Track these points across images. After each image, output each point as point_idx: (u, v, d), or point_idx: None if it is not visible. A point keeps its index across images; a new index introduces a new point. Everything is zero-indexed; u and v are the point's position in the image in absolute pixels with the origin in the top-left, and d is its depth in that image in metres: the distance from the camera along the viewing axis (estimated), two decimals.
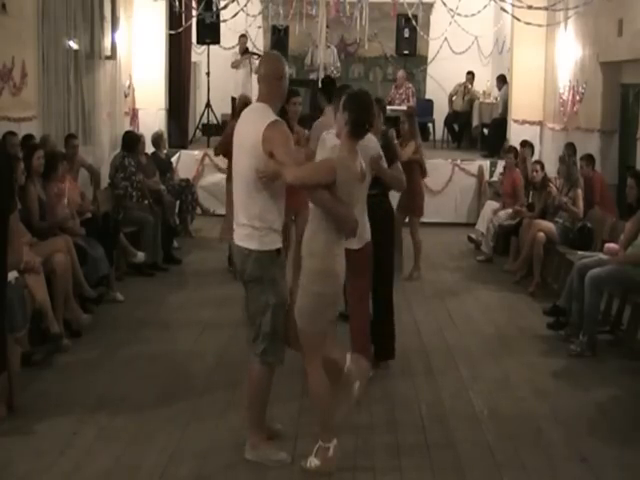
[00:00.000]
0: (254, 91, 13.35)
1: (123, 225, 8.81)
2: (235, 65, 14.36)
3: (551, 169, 10.05)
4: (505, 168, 10.61)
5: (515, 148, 10.68)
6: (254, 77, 14.48)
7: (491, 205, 10.46)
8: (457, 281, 9.16)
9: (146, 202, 9.38)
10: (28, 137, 7.83)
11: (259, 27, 15.50)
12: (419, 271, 9.19)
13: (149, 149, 10.66)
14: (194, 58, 14.50)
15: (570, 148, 9.75)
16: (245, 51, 14.41)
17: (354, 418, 5.17)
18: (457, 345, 6.87)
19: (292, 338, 4.50)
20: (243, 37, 14.52)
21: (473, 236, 10.66)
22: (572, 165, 8.89)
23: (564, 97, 11.49)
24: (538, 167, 9.55)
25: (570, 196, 8.63)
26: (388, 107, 14.28)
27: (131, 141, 9.64)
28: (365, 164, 4.53)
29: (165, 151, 11.20)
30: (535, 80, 12.66)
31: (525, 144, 10.58)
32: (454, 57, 14.55)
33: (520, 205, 9.93)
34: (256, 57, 14.63)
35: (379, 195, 5.97)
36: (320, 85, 6.72)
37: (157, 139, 11.04)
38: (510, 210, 9.95)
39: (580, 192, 8.65)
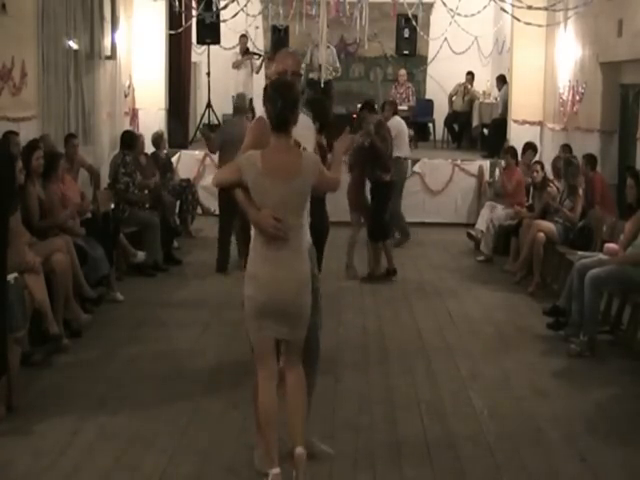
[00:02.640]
0: (255, 91, 13.42)
1: (124, 225, 8.84)
2: (236, 65, 14.36)
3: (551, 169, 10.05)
4: (504, 168, 10.64)
5: (513, 148, 10.69)
6: (255, 77, 14.51)
7: (491, 205, 10.47)
8: (457, 281, 9.16)
9: (147, 205, 9.44)
10: (33, 141, 7.80)
11: (257, 27, 15.45)
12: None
13: (149, 149, 10.66)
14: (194, 58, 14.50)
15: (567, 149, 9.81)
16: (246, 51, 14.41)
17: (354, 418, 5.18)
18: (457, 345, 6.87)
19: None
20: (244, 37, 14.52)
21: (472, 232, 10.60)
22: (572, 166, 8.89)
23: (564, 97, 11.49)
24: (538, 167, 9.57)
25: (570, 199, 8.63)
26: None
27: (130, 139, 9.65)
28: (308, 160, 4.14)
29: (165, 151, 11.20)
30: (535, 80, 12.66)
31: (528, 148, 10.55)
32: (454, 57, 14.54)
33: (520, 204, 9.96)
34: (257, 57, 14.65)
35: None
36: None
37: (157, 139, 11.04)
38: (510, 210, 9.96)
39: (580, 195, 8.66)
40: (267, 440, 4.19)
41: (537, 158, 10.74)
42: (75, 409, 5.28)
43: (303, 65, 14.33)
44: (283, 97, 4.08)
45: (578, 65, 10.94)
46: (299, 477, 4.11)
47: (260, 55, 14.78)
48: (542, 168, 9.48)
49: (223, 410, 5.32)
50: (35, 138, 7.92)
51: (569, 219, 8.56)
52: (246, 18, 13.56)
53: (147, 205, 9.47)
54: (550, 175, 9.70)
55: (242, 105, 9.74)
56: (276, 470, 4.11)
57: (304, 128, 4.37)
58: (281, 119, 4.09)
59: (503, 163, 10.83)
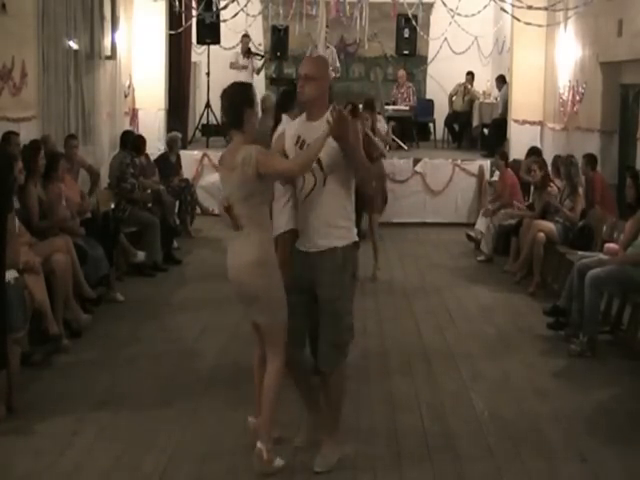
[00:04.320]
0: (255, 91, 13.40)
1: (125, 225, 8.85)
2: (234, 67, 14.31)
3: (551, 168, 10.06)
4: (499, 176, 10.77)
5: (504, 152, 10.98)
6: (256, 77, 14.48)
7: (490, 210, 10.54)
8: (457, 281, 9.15)
9: (149, 205, 9.46)
10: (34, 142, 7.80)
11: (249, 26, 15.31)
12: (378, 270, 9.17)
13: (149, 149, 10.67)
14: (194, 58, 14.49)
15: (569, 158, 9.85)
16: (248, 51, 14.39)
17: (355, 420, 5.17)
18: (457, 345, 6.86)
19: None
20: (246, 37, 14.46)
21: (472, 234, 10.63)
22: (573, 166, 8.89)
23: (564, 97, 11.49)
24: (536, 167, 9.54)
25: (571, 199, 8.64)
26: (390, 107, 14.35)
27: (138, 143, 9.84)
28: (253, 156, 4.23)
29: (178, 153, 11.23)
30: (535, 80, 12.66)
31: (531, 153, 10.53)
32: (454, 57, 14.55)
33: (519, 203, 10.01)
34: (258, 57, 14.62)
35: None
36: (280, 99, 6.36)
37: (173, 142, 11.07)
38: (510, 210, 9.98)
39: (581, 195, 8.66)
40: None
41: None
42: (75, 409, 5.28)
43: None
44: (222, 99, 4.42)
45: (578, 65, 10.94)
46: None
47: (262, 56, 14.75)
48: (540, 167, 9.44)
49: (223, 410, 5.32)
50: (37, 139, 7.93)
51: (569, 219, 8.57)
52: (246, 18, 13.56)
53: (149, 205, 9.50)
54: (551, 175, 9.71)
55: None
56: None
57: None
58: (225, 119, 4.48)
59: (497, 172, 10.96)
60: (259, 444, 4.40)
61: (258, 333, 4.56)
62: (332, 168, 4.29)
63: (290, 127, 4.62)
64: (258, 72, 14.62)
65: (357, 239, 4.51)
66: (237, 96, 4.36)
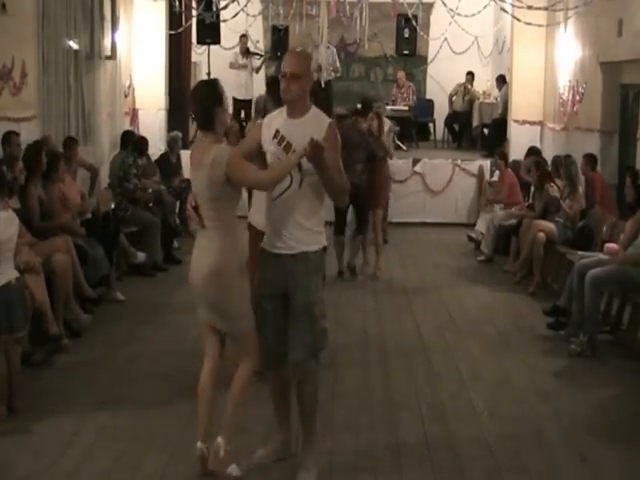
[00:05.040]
0: (255, 91, 13.40)
1: (125, 225, 8.84)
2: (234, 67, 14.31)
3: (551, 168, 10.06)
4: (499, 176, 10.78)
5: (502, 152, 10.96)
6: (255, 77, 14.49)
7: (491, 209, 10.54)
8: (457, 281, 9.15)
9: (150, 205, 9.47)
10: (36, 142, 7.79)
11: (249, 26, 15.32)
12: (379, 270, 9.21)
13: (150, 149, 10.66)
14: (194, 58, 14.48)
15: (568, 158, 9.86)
16: (246, 51, 14.40)
17: (354, 418, 5.17)
18: (457, 345, 6.87)
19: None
20: (244, 37, 14.48)
21: (473, 235, 10.68)
22: (573, 166, 8.89)
23: (564, 97, 11.49)
24: (533, 167, 9.54)
25: (570, 198, 8.64)
26: (390, 107, 14.35)
27: (141, 144, 9.91)
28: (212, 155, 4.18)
29: (178, 154, 11.24)
30: (535, 80, 12.66)
31: (531, 153, 10.54)
32: (454, 57, 14.54)
33: (518, 204, 10.01)
34: (257, 57, 14.63)
35: None
36: (265, 86, 6.30)
37: (173, 142, 11.07)
38: (510, 210, 9.99)
39: (580, 193, 8.65)
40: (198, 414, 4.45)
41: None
42: (75, 409, 5.28)
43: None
44: (191, 99, 4.40)
45: (578, 65, 10.94)
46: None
47: (261, 55, 14.75)
48: (538, 167, 9.41)
49: (223, 410, 5.30)
50: (39, 139, 7.93)
51: (568, 217, 8.56)
52: (246, 18, 13.56)
53: (150, 204, 9.51)
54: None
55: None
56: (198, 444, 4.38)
57: (312, 127, 4.24)
58: (196, 119, 4.50)
59: (497, 172, 10.97)
60: (219, 439, 4.30)
61: (215, 337, 4.40)
62: (311, 172, 4.15)
63: (270, 119, 4.45)
64: (257, 71, 14.63)
65: (326, 244, 4.45)
66: (206, 97, 4.27)
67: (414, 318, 7.62)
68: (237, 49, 14.44)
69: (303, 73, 4.26)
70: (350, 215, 9.00)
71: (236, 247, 4.33)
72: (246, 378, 4.37)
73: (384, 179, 9.55)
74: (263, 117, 5.21)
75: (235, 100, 13.69)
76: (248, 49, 14.46)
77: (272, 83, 5.44)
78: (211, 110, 4.25)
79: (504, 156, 10.80)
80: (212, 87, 4.37)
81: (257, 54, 14.65)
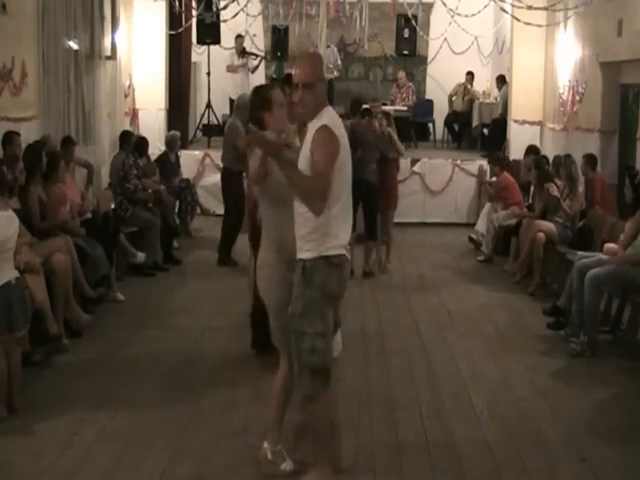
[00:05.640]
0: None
1: (125, 225, 8.85)
2: (232, 69, 14.27)
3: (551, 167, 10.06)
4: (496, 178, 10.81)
5: (496, 157, 11.06)
6: (252, 77, 14.46)
7: (491, 207, 10.51)
8: (457, 281, 9.15)
9: (150, 204, 9.49)
10: (37, 143, 7.80)
11: (249, 26, 15.29)
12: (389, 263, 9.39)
13: (150, 149, 10.67)
14: (194, 58, 14.48)
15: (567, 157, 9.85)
16: (243, 51, 14.38)
17: (354, 418, 5.18)
18: (457, 345, 6.87)
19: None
20: (240, 37, 14.45)
21: (473, 236, 10.71)
22: (573, 165, 8.89)
23: (564, 97, 11.49)
24: (533, 166, 9.52)
25: (570, 198, 8.64)
26: (390, 107, 14.33)
27: (142, 145, 9.92)
28: None
29: (178, 153, 11.24)
30: (535, 80, 12.66)
31: (528, 152, 10.53)
32: (454, 57, 14.53)
33: (517, 204, 10.00)
34: (254, 57, 14.60)
35: None
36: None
37: (172, 141, 11.08)
38: (510, 210, 9.99)
39: (581, 194, 8.65)
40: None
41: None
42: (75, 409, 5.28)
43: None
44: None
45: (578, 65, 10.94)
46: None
47: (257, 55, 14.73)
48: (536, 167, 9.39)
49: (223, 410, 5.32)
50: (38, 139, 7.93)
51: (568, 217, 8.57)
52: (246, 18, 13.56)
53: (150, 204, 9.52)
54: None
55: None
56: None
57: (312, 128, 4.08)
58: None
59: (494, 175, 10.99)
60: (265, 443, 4.42)
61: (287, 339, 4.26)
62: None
63: None
64: (254, 71, 14.59)
65: (333, 253, 3.98)
66: None
67: (414, 318, 7.62)
68: (233, 51, 14.43)
69: (316, 80, 4.01)
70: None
71: (274, 245, 4.32)
72: (283, 378, 4.36)
73: (393, 180, 9.64)
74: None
75: (232, 101, 13.67)
76: (244, 49, 14.44)
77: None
78: None
79: (498, 161, 10.78)
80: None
81: (253, 54, 14.62)
